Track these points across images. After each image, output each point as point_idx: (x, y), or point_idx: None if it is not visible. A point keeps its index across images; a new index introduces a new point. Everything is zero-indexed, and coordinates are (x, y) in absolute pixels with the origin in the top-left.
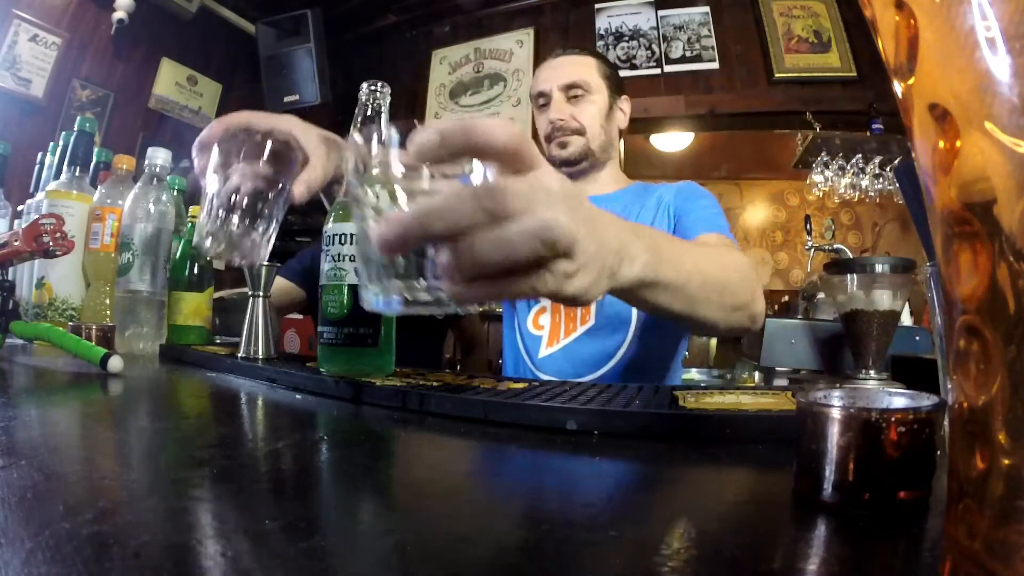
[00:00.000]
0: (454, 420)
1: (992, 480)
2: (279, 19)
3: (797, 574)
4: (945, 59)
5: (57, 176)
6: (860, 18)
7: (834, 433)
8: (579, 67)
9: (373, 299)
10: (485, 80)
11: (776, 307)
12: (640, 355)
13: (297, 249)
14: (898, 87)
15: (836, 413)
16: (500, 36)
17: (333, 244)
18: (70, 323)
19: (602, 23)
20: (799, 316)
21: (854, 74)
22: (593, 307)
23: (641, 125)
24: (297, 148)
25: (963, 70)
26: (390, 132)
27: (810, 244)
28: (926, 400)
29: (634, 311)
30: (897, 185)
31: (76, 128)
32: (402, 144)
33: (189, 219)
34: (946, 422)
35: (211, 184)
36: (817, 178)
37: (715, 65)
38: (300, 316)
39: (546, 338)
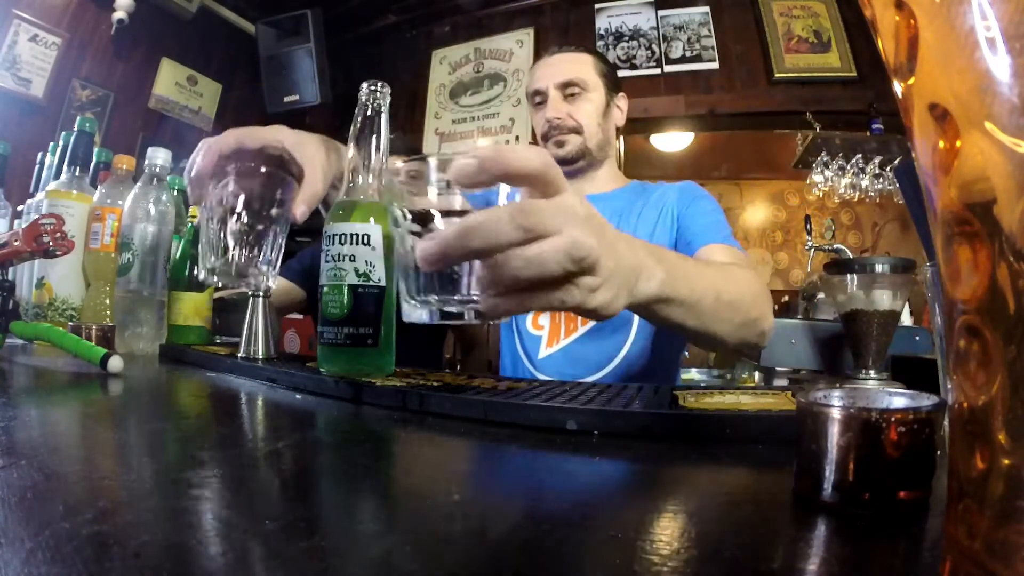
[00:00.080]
0: (454, 420)
1: (992, 480)
2: (279, 19)
3: (797, 574)
4: (945, 59)
5: (57, 176)
6: (860, 18)
7: (834, 433)
8: (576, 65)
9: (413, 311)
10: (485, 80)
11: (776, 307)
12: (642, 356)
13: (297, 249)
14: (898, 87)
15: (836, 413)
16: (500, 36)
17: (333, 244)
18: (70, 323)
19: (602, 23)
20: (799, 316)
21: (854, 74)
22: None
23: (641, 125)
24: (292, 162)
25: (963, 70)
26: (425, 165)
27: (810, 244)
28: (926, 400)
29: None
30: (897, 185)
31: (76, 128)
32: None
33: (189, 219)
34: (946, 422)
35: (209, 217)
36: (817, 178)
37: (715, 65)
38: (300, 316)
39: (546, 338)
